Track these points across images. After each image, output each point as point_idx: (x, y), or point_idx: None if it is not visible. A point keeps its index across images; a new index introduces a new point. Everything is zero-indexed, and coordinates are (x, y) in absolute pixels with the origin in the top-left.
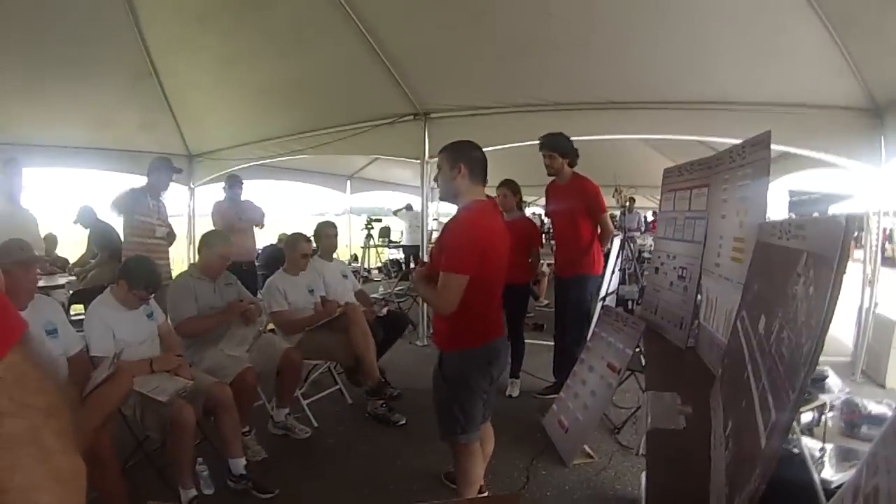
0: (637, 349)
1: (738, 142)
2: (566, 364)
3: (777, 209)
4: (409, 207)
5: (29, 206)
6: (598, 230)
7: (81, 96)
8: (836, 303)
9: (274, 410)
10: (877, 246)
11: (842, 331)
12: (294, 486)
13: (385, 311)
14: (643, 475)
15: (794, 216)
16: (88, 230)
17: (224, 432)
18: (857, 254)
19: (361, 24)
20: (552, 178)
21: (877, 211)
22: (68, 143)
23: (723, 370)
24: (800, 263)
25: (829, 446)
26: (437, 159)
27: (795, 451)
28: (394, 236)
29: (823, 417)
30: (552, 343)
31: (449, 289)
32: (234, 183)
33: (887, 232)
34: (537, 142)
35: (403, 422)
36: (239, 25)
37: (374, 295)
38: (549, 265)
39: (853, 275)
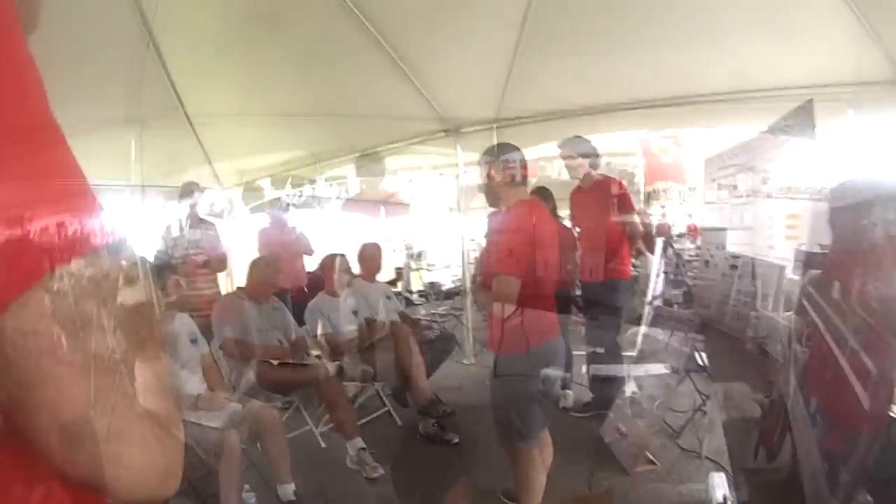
0: (693, 348)
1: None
2: (602, 377)
3: None
4: None
5: None
6: (627, 230)
7: (107, 133)
8: None
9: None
10: None
11: None
12: None
13: (435, 335)
14: (710, 476)
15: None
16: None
17: (272, 456)
18: None
19: (382, 39)
20: (577, 183)
21: None
22: (95, 179)
23: (792, 352)
24: (872, 212)
25: None
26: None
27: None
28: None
29: None
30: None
31: (502, 291)
32: (279, 207)
33: None
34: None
35: (457, 440)
36: (258, 51)
37: (417, 317)
38: None
39: None
